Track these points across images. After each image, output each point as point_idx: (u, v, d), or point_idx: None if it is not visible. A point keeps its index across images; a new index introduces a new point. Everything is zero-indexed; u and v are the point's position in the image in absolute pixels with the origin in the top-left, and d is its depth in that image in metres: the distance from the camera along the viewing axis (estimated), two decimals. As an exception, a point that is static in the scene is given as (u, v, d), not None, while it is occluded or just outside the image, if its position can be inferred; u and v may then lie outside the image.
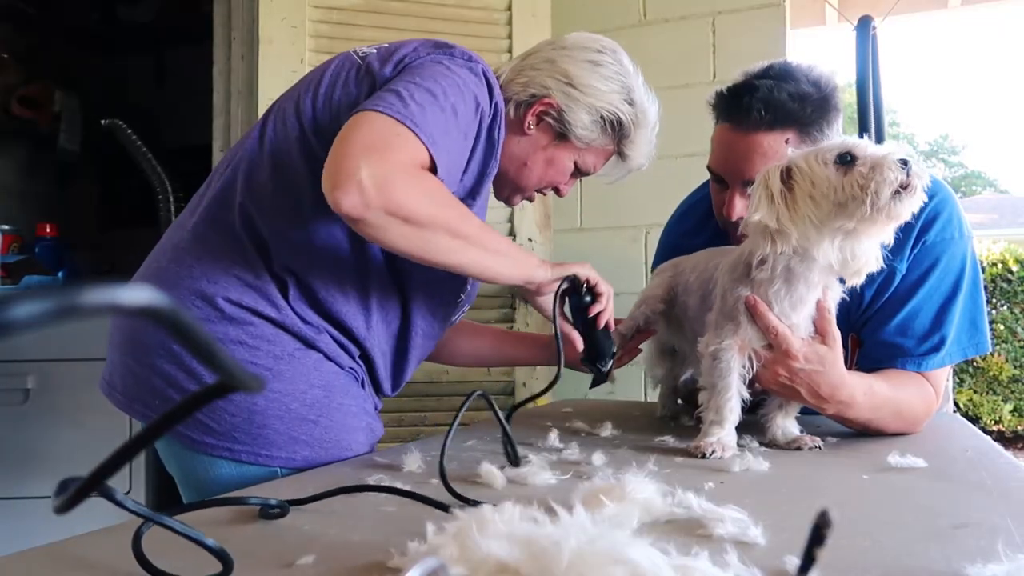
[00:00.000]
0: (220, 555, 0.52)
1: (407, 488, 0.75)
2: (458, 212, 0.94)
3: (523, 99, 1.10)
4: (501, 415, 0.94)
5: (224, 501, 0.71)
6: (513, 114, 1.11)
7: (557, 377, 1.07)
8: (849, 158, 0.92)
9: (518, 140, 1.12)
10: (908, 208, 0.91)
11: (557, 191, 1.21)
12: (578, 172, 1.18)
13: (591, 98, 1.10)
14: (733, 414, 1.00)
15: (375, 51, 1.06)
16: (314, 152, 0.99)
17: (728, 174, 1.17)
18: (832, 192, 0.92)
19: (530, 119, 1.11)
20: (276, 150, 1.02)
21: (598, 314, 1.15)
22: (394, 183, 0.83)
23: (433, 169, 0.91)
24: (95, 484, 0.31)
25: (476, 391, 0.91)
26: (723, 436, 0.98)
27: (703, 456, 0.95)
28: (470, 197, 1.06)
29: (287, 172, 1.00)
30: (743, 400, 1.01)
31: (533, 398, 1.11)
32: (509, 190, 1.20)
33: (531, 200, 1.24)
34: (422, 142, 0.88)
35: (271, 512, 0.68)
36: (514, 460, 0.90)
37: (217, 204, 1.02)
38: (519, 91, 1.10)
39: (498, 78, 1.10)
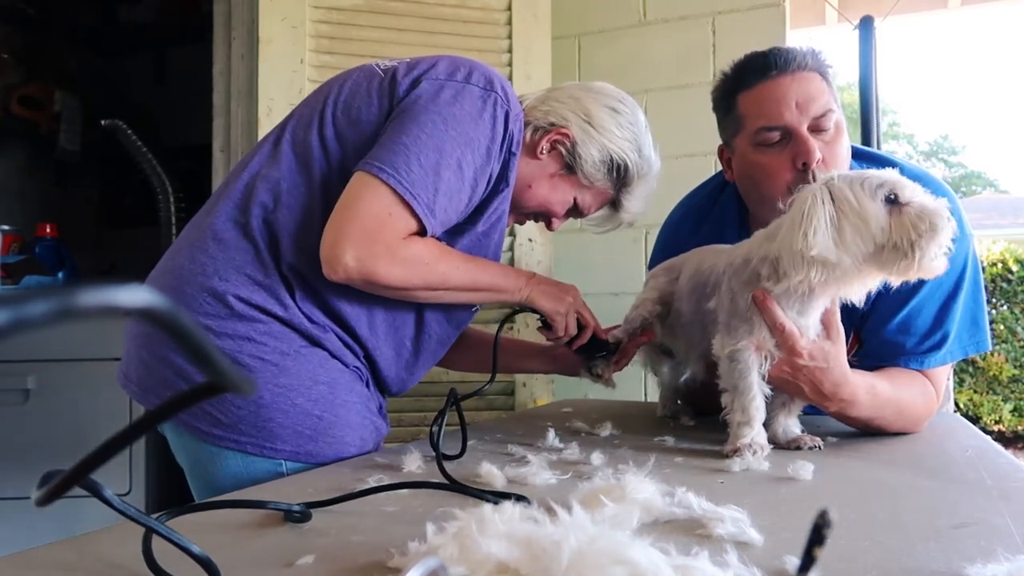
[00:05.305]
0: (206, 564, 0.50)
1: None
2: (441, 267, 1.01)
3: (542, 125, 1.15)
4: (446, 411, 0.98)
5: (245, 504, 0.71)
6: (529, 138, 1.15)
7: (489, 382, 1.18)
8: (894, 197, 0.88)
9: (528, 162, 1.15)
10: (944, 265, 0.87)
11: (549, 223, 1.25)
12: (575, 210, 1.23)
13: (605, 138, 1.15)
14: (760, 412, 0.99)
15: (398, 63, 1.09)
16: (330, 162, 1.04)
17: (796, 115, 1.12)
18: (880, 234, 0.87)
19: (544, 144, 1.15)
20: (293, 158, 1.05)
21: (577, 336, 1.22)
22: (375, 265, 0.95)
23: (425, 231, 0.99)
24: (77, 478, 0.31)
25: (452, 389, 1.00)
26: (755, 436, 0.97)
27: (739, 458, 0.92)
28: (478, 213, 1.09)
29: (302, 180, 1.04)
30: (766, 396, 1.00)
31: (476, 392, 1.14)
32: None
33: (521, 224, 1.28)
34: (416, 215, 0.97)
35: (293, 516, 0.67)
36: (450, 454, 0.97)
37: (233, 205, 1.05)
38: (540, 117, 1.15)
39: (521, 102, 1.15)
